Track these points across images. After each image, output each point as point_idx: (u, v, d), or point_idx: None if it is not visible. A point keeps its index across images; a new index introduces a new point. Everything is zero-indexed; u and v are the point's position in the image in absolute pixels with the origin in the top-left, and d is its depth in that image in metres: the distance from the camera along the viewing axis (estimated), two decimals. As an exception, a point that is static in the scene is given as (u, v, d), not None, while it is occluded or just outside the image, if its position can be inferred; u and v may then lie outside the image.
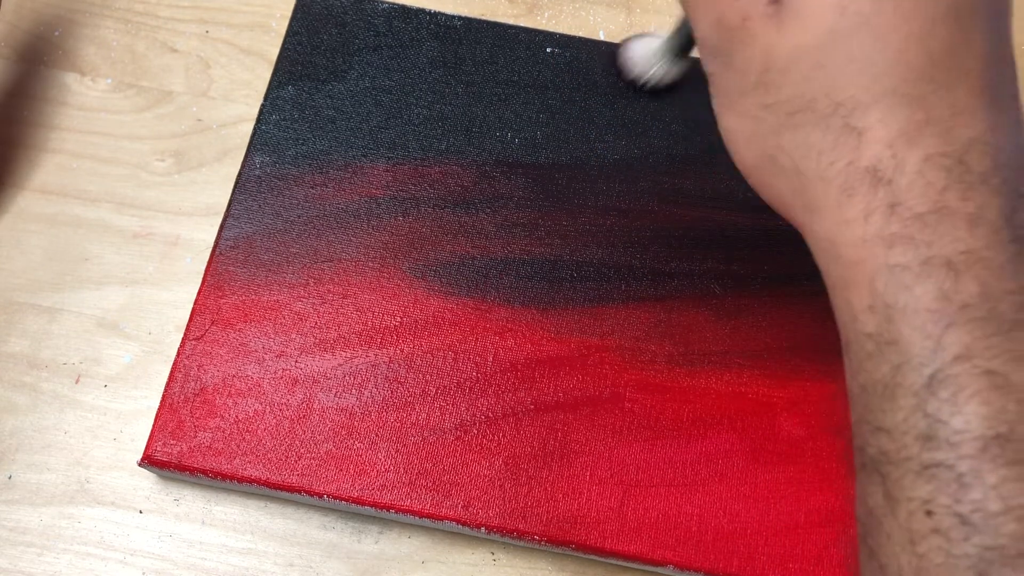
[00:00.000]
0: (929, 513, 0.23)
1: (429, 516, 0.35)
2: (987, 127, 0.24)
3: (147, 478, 0.37)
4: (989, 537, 0.22)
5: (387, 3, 0.44)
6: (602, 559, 0.35)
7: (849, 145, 0.25)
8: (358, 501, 0.35)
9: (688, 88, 0.43)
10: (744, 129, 0.28)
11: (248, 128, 0.42)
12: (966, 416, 0.22)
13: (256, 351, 0.37)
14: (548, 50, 0.43)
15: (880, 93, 0.25)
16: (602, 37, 0.46)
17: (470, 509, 0.35)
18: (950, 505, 0.22)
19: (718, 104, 0.29)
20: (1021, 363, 0.22)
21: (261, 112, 0.41)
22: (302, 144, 0.41)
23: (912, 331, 0.23)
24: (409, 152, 0.41)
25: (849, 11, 0.25)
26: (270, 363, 0.37)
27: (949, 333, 0.23)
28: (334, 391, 0.36)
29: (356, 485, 0.35)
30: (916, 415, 0.23)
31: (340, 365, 0.37)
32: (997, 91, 0.25)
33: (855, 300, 0.25)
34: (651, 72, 0.41)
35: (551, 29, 0.45)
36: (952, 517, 0.22)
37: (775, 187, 0.28)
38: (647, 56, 0.41)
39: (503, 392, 0.37)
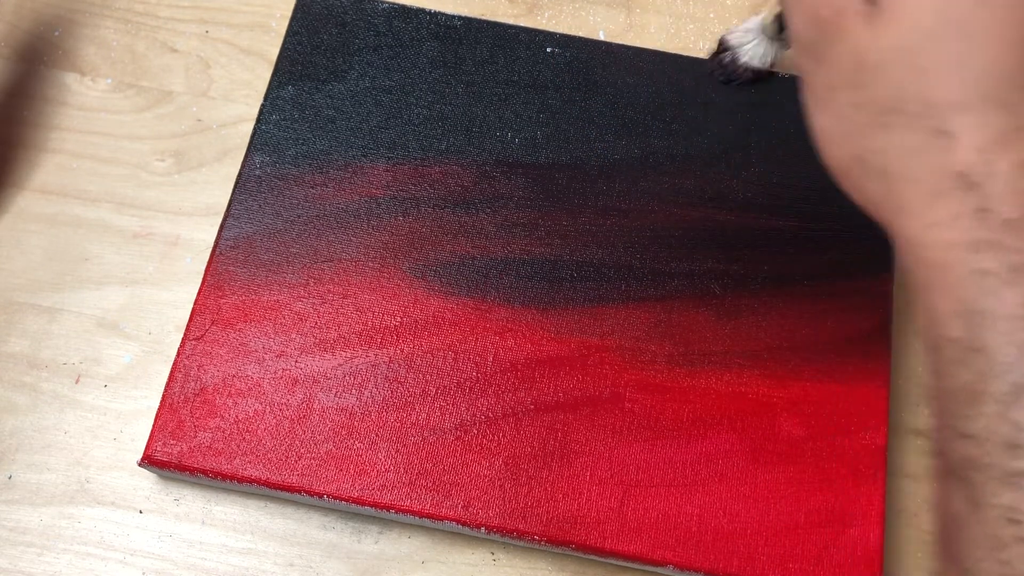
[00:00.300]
0: (1014, 521, 0.23)
1: (429, 516, 0.35)
2: None
3: (147, 478, 0.37)
4: None
5: (387, 3, 0.44)
6: (602, 559, 0.35)
7: (940, 148, 0.25)
8: (358, 501, 0.35)
9: (688, 88, 0.43)
10: (835, 128, 0.28)
11: (248, 128, 0.42)
12: None
13: (256, 351, 0.37)
14: (548, 50, 0.43)
15: (974, 98, 0.25)
16: (602, 37, 0.46)
17: (470, 509, 0.35)
18: None
19: (810, 101, 0.29)
20: None
21: (261, 112, 0.41)
22: (302, 144, 0.41)
23: (998, 337, 0.23)
24: (409, 152, 0.41)
25: (946, 15, 0.25)
26: (270, 363, 0.37)
27: None
28: (334, 391, 0.36)
29: (356, 485, 0.35)
30: (1000, 422, 0.23)
31: (340, 365, 0.37)
32: None
33: (941, 304, 0.25)
34: (745, 47, 0.41)
35: (551, 29, 0.45)
36: None
37: (865, 188, 0.28)
38: (744, 33, 0.42)
39: (503, 392, 0.37)
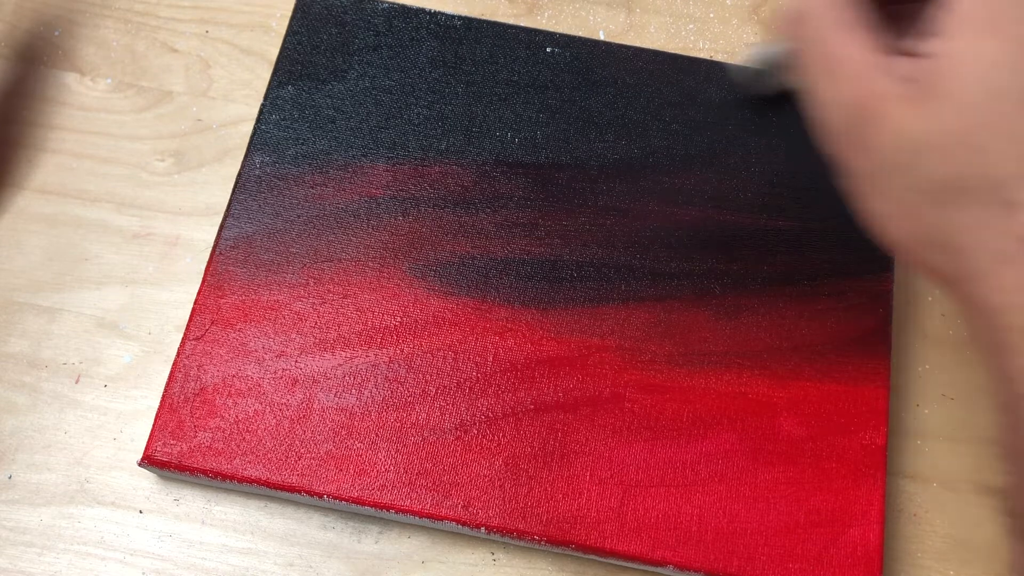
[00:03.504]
0: None
1: (429, 516, 0.35)
2: None
3: (147, 478, 0.37)
4: None
5: (387, 3, 0.44)
6: (602, 559, 0.35)
7: (1002, 217, 0.25)
8: (358, 501, 0.35)
9: (688, 88, 0.43)
10: (892, 211, 0.28)
11: (248, 128, 0.42)
12: None
13: (256, 351, 0.37)
14: (548, 50, 0.43)
15: None
16: (602, 37, 0.46)
17: (470, 509, 0.35)
18: None
19: (858, 188, 0.29)
20: None
21: (261, 112, 0.41)
22: (302, 144, 0.41)
23: None
24: (409, 152, 0.41)
25: (993, 87, 0.25)
26: (270, 363, 0.37)
27: None
28: (334, 391, 0.36)
29: (356, 485, 0.35)
30: None
31: (340, 365, 0.37)
32: None
33: (1013, 363, 0.25)
34: (763, 76, 0.41)
35: (551, 29, 0.45)
36: None
37: (931, 261, 0.28)
38: (762, 59, 0.41)
39: (503, 392, 0.37)
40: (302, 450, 0.35)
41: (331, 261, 0.39)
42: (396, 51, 0.43)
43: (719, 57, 0.46)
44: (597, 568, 0.37)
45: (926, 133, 0.26)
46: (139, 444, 0.37)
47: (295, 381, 0.36)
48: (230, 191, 0.40)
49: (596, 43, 0.44)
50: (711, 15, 0.47)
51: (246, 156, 0.40)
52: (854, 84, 0.27)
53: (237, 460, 0.35)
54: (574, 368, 0.37)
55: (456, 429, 0.36)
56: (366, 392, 0.36)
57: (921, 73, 0.26)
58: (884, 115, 0.27)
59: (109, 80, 0.44)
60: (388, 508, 0.35)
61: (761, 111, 0.42)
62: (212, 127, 0.44)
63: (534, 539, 0.35)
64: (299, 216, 0.39)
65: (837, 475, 0.36)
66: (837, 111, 0.28)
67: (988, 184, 0.26)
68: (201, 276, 0.38)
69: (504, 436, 0.36)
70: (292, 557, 0.36)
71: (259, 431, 0.36)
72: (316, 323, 0.37)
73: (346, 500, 0.35)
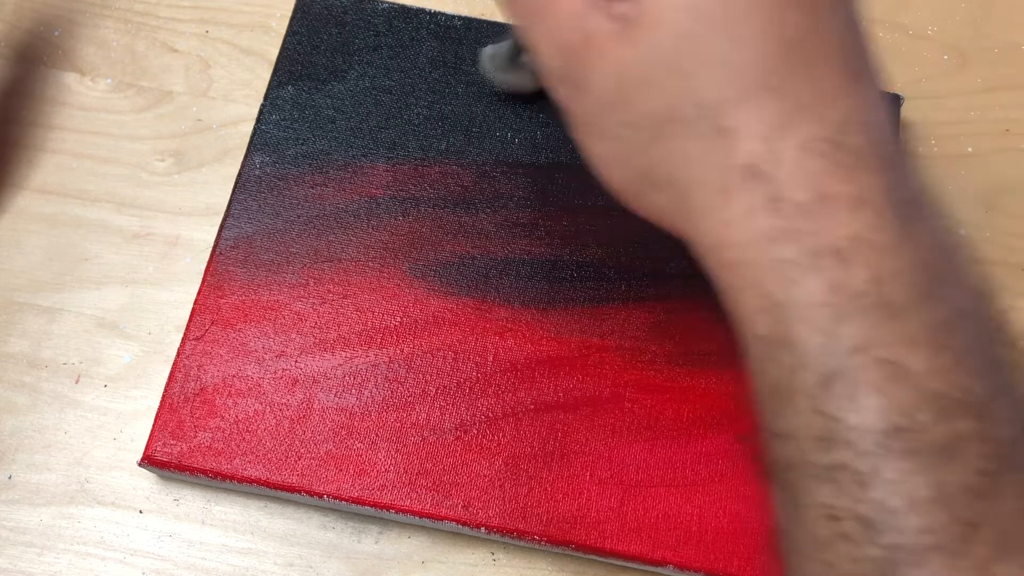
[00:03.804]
0: (833, 518, 0.22)
1: (429, 516, 0.35)
2: (856, 104, 0.24)
3: (147, 478, 0.37)
4: (894, 535, 0.21)
5: (387, 3, 0.44)
6: (602, 559, 0.35)
7: (722, 146, 0.24)
8: (358, 501, 0.35)
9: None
10: (610, 152, 0.27)
11: (248, 128, 0.42)
12: (863, 411, 0.21)
13: (256, 351, 0.37)
14: (548, 50, 0.43)
15: (744, 90, 0.24)
16: (602, 37, 0.46)
17: (470, 509, 0.35)
18: (852, 507, 0.21)
19: (578, 131, 0.28)
20: (916, 348, 0.21)
21: (261, 112, 0.41)
22: (302, 144, 0.41)
23: (804, 328, 0.22)
24: (409, 152, 0.41)
25: (700, 13, 0.24)
26: (270, 363, 0.37)
27: (843, 326, 0.22)
28: (334, 391, 0.36)
29: (356, 485, 0.35)
30: (813, 416, 0.22)
31: (340, 365, 0.37)
32: (859, 67, 0.24)
33: (745, 303, 0.24)
34: (495, 79, 0.41)
35: (551, 29, 0.45)
36: (855, 519, 0.21)
37: (653, 202, 0.27)
38: (487, 62, 0.41)
39: (503, 392, 0.37)
40: (302, 450, 0.35)
41: (331, 261, 0.39)
42: (396, 51, 0.43)
43: (719, 57, 0.46)
44: (597, 568, 0.37)
45: (637, 67, 0.25)
46: (139, 444, 0.37)
47: (295, 381, 0.36)
48: (230, 191, 0.40)
49: (596, 43, 0.44)
50: (711, 15, 0.47)
51: (246, 156, 0.40)
52: (566, 26, 0.26)
53: (237, 460, 0.35)
54: (574, 368, 0.37)
55: (456, 429, 0.36)
56: (366, 392, 0.36)
57: (631, 9, 0.25)
58: (597, 54, 0.26)
59: (109, 80, 0.44)
60: (388, 508, 0.35)
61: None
62: (212, 127, 0.44)
63: (534, 539, 0.35)
64: (299, 216, 0.39)
65: None
66: (553, 55, 0.27)
67: (701, 112, 0.24)
68: (201, 276, 0.38)
69: (504, 436, 0.36)
70: (292, 557, 0.36)
71: (259, 431, 0.36)
72: (316, 323, 0.37)
73: (346, 500, 0.35)
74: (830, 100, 0.24)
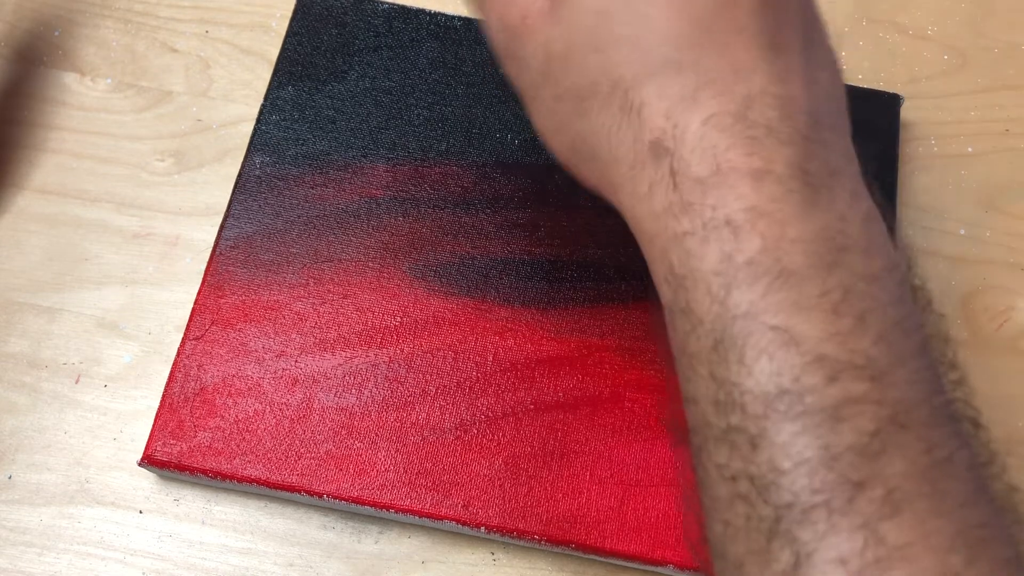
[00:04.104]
0: (730, 479, 0.22)
1: (429, 516, 0.35)
2: (771, 79, 0.24)
3: (147, 478, 0.37)
4: (782, 495, 0.21)
5: (387, 3, 0.44)
6: (602, 559, 0.35)
7: (632, 122, 0.25)
8: (358, 501, 0.35)
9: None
10: (548, 124, 0.29)
11: (248, 128, 0.42)
12: (752, 376, 0.22)
13: (256, 351, 0.37)
14: (548, 50, 0.43)
15: (652, 66, 0.25)
16: (602, 37, 0.46)
17: (470, 509, 0.35)
18: (745, 468, 0.22)
19: (524, 103, 0.30)
20: (805, 313, 0.22)
21: (261, 112, 0.41)
22: (302, 144, 0.41)
23: (699, 296, 0.23)
24: (409, 152, 0.41)
25: None
26: (270, 363, 0.37)
27: (733, 293, 0.22)
28: (334, 391, 0.36)
29: (356, 485, 0.35)
30: (710, 381, 0.23)
31: (340, 365, 0.37)
32: (779, 40, 0.25)
33: (655, 272, 0.25)
34: None
35: (551, 29, 0.45)
36: (748, 480, 0.22)
37: (585, 173, 0.28)
38: None
39: (503, 392, 0.37)
40: (302, 450, 0.35)
41: (331, 261, 0.39)
42: (396, 52, 0.43)
43: (719, 57, 0.46)
44: (597, 568, 0.37)
45: (561, 43, 0.26)
46: (139, 444, 0.37)
47: (295, 381, 0.36)
48: (230, 191, 0.40)
49: (596, 43, 0.44)
50: (711, 15, 0.47)
51: (246, 156, 0.40)
52: (508, 4, 0.28)
53: (237, 460, 0.35)
54: (574, 368, 0.37)
55: (456, 429, 0.36)
56: (366, 392, 0.36)
57: None
58: (531, 29, 0.27)
59: (109, 80, 0.44)
60: (388, 508, 0.35)
61: None
62: (212, 127, 0.44)
63: (534, 539, 0.35)
64: (299, 216, 0.39)
65: None
66: (498, 32, 0.29)
67: (614, 89, 0.25)
68: (201, 276, 0.38)
69: (504, 436, 0.36)
70: (292, 557, 0.36)
71: (259, 431, 0.35)
72: (316, 323, 0.37)
73: (346, 500, 0.35)
74: (740, 75, 0.24)
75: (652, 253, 0.25)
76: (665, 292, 0.25)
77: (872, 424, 0.21)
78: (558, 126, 0.28)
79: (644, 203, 0.25)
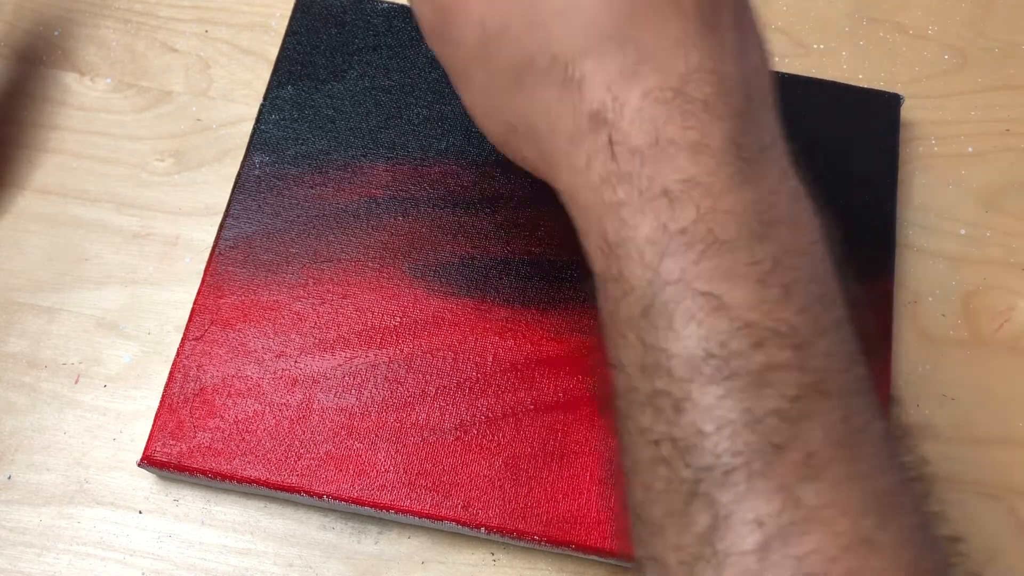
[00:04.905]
0: (653, 442, 0.23)
1: (429, 516, 0.35)
2: (707, 55, 0.25)
3: (147, 478, 0.37)
4: (703, 458, 0.22)
5: (387, 3, 0.44)
6: (602, 559, 0.35)
7: (572, 96, 0.25)
8: (358, 501, 0.35)
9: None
10: (480, 102, 0.29)
11: (248, 128, 0.42)
12: (681, 340, 0.22)
13: (256, 351, 0.37)
14: (548, 50, 0.43)
15: (592, 40, 0.25)
16: (602, 37, 0.46)
17: (470, 509, 0.35)
18: (668, 431, 0.22)
19: (455, 84, 0.30)
20: (735, 281, 0.22)
21: (261, 112, 0.41)
22: (302, 144, 0.41)
23: (632, 264, 0.24)
24: (409, 152, 0.41)
25: None
26: (270, 363, 0.37)
27: (665, 261, 0.23)
28: (334, 391, 0.36)
29: (356, 485, 0.35)
30: (638, 346, 0.23)
31: (340, 365, 0.37)
32: (714, 18, 0.25)
33: (589, 243, 0.26)
34: None
35: (551, 29, 0.45)
36: (670, 443, 0.22)
37: (521, 152, 0.29)
38: None
39: (503, 392, 0.37)
40: (302, 450, 0.35)
41: (331, 261, 0.39)
42: (396, 51, 0.43)
43: (719, 57, 0.46)
44: (597, 568, 0.37)
45: (497, 19, 0.26)
46: (139, 444, 0.37)
47: (295, 381, 0.36)
48: (230, 191, 0.40)
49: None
50: (711, 15, 0.47)
51: (246, 156, 0.40)
52: None
53: (237, 460, 0.35)
54: (574, 368, 0.37)
55: (456, 429, 0.36)
56: (366, 392, 0.36)
57: None
58: (464, 7, 0.27)
59: (109, 80, 0.44)
60: (388, 508, 0.35)
61: None
62: (212, 127, 0.44)
63: (534, 539, 0.35)
64: (299, 216, 0.39)
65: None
66: (427, 12, 0.29)
67: (554, 63, 0.26)
68: (201, 276, 0.38)
69: (504, 436, 0.36)
70: (292, 557, 0.36)
71: (259, 431, 0.35)
72: (316, 323, 0.37)
73: (346, 500, 0.35)
74: (679, 51, 0.25)
75: (587, 224, 0.26)
76: (598, 261, 0.25)
77: (794, 390, 0.22)
78: (493, 104, 0.28)
79: (581, 175, 0.25)
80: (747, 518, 0.21)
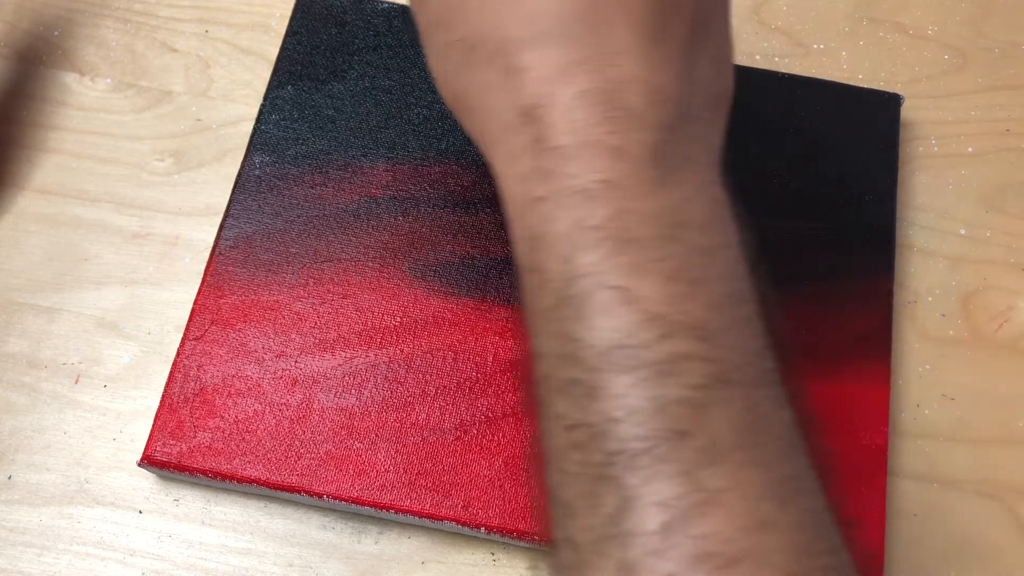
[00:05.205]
0: (568, 428, 0.24)
1: (429, 516, 0.35)
2: (646, 66, 0.25)
3: (147, 478, 0.37)
4: (613, 443, 0.22)
5: (387, 3, 0.44)
6: (602, 559, 0.35)
7: (512, 84, 0.26)
8: (358, 501, 0.35)
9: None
10: (439, 68, 0.29)
11: (248, 128, 0.42)
12: (593, 331, 0.23)
13: (256, 351, 0.37)
14: (548, 50, 0.43)
15: (538, 33, 0.25)
16: (602, 37, 0.46)
17: (470, 509, 0.35)
18: (582, 417, 0.23)
19: (423, 45, 0.30)
20: (645, 276, 0.23)
21: (261, 112, 0.41)
22: (302, 144, 0.41)
23: (549, 257, 0.24)
24: (409, 152, 0.41)
25: None
26: (270, 363, 0.37)
27: (579, 255, 0.24)
28: (334, 391, 0.36)
29: (356, 485, 0.35)
30: (554, 336, 0.24)
31: (340, 365, 0.37)
32: (664, 29, 0.26)
33: (514, 233, 0.26)
34: None
35: (551, 29, 0.45)
36: (583, 428, 0.23)
37: (467, 125, 0.29)
38: None
39: (503, 392, 0.37)
40: (302, 450, 0.35)
41: (331, 261, 0.39)
42: (396, 51, 0.43)
43: (719, 57, 0.46)
44: (597, 568, 0.36)
45: None
46: (139, 444, 0.37)
47: (295, 381, 0.36)
48: (230, 191, 0.40)
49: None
50: (711, 15, 0.47)
51: (246, 156, 0.40)
52: None
53: (237, 460, 0.35)
54: (574, 368, 0.37)
55: (456, 429, 0.36)
56: (366, 392, 0.36)
57: None
58: None
59: (109, 80, 0.44)
60: (388, 508, 0.35)
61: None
62: (212, 127, 0.44)
63: (534, 539, 0.35)
64: (299, 216, 0.39)
65: (838, 475, 0.36)
66: None
67: (494, 47, 0.26)
68: (201, 276, 0.38)
69: (504, 436, 0.36)
70: (292, 557, 0.36)
71: (259, 431, 0.35)
72: (316, 323, 0.37)
73: (346, 500, 0.35)
74: (619, 57, 0.25)
75: (513, 213, 0.26)
76: (522, 252, 0.26)
77: (699, 379, 0.23)
78: (448, 72, 0.29)
79: (513, 165, 0.26)
80: (652, 500, 0.22)
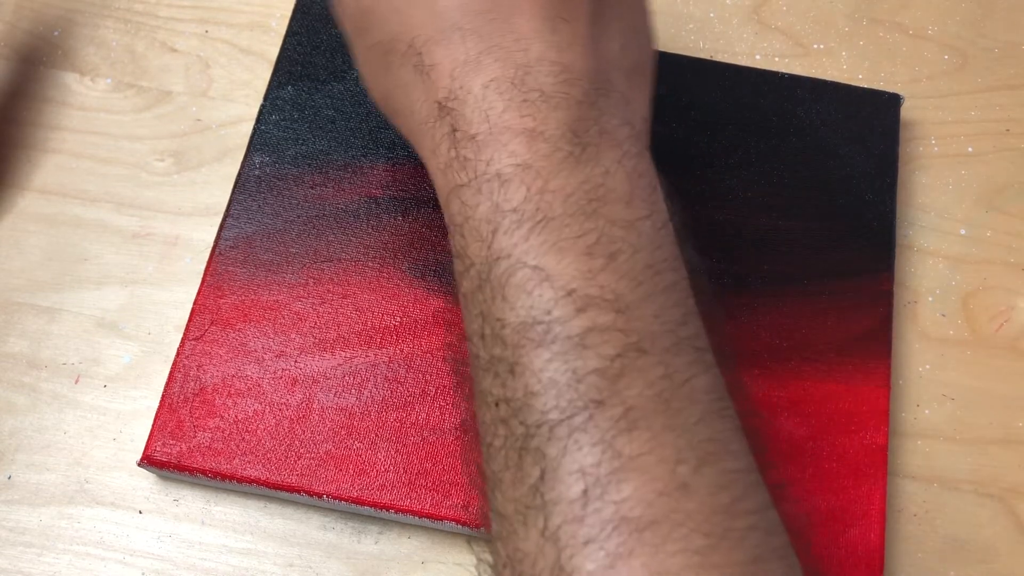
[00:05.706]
0: (493, 404, 0.24)
1: (429, 516, 0.35)
2: (550, 47, 0.26)
3: (147, 478, 0.37)
4: (533, 416, 0.23)
5: (387, 3, 0.44)
6: (602, 559, 0.35)
7: (427, 82, 0.27)
8: (358, 501, 0.35)
9: (688, 88, 0.43)
10: (364, 73, 0.31)
11: (248, 128, 0.42)
12: (512, 310, 0.24)
13: (256, 351, 0.37)
14: (548, 50, 0.43)
15: (443, 30, 0.27)
16: (602, 37, 0.46)
17: (470, 509, 0.35)
18: (504, 393, 0.24)
19: (352, 52, 0.31)
20: (561, 254, 0.24)
21: (261, 112, 0.41)
22: (302, 144, 0.41)
23: (471, 242, 0.25)
24: (409, 152, 0.41)
25: None
26: (270, 363, 0.37)
27: (497, 237, 0.25)
28: (334, 391, 0.36)
29: (356, 485, 0.35)
30: (479, 317, 0.25)
31: (340, 365, 0.37)
32: (564, 11, 0.27)
33: (447, 222, 0.27)
34: None
35: (551, 29, 0.45)
36: (506, 404, 0.24)
37: (396, 124, 0.30)
38: None
39: (503, 392, 0.37)
40: (302, 450, 0.35)
41: (331, 261, 0.39)
42: (396, 51, 0.43)
43: (719, 57, 0.46)
44: (597, 568, 0.36)
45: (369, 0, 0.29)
46: (139, 444, 0.37)
47: (295, 381, 0.36)
48: (230, 191, 0.40)
49: (596, 43, 0.44)
50: (711, 15, 0.47)
51: (246, 156, 0.40)
52: None
53: (237, 460, 0.35)
54: (574, 368, 0.37)
55: (456, 429, 0.36)
56: (366, 392, 0.36)
57: None
58: None
59: (109, 80, 0.44)
60: (388, 508, 0.35)
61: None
62: (212, 127, 0.44)
63: (534, 539, 0.35)
64: (299, 216, 0.39)
65: (837, 475, 0.36)
66: None
67: (410, 48, 0.27)
68: (201, 276, 0.38)
69: (504, 436, 0.36)
70: (292, 557, 0.36)
71: (259, 431, 0.35)
72: (316, 323, 0.37)
73: (346, 500, 0.35)
74: (521, 43, 0.26)
75: (442, 203, 0.27)
76: (451, 240, 0.27)
77: (614, 350, 0.23)
78: (373, 76, 0.30)
79: (436, 157, 0.27)
80: (571, 469, 0.22)
